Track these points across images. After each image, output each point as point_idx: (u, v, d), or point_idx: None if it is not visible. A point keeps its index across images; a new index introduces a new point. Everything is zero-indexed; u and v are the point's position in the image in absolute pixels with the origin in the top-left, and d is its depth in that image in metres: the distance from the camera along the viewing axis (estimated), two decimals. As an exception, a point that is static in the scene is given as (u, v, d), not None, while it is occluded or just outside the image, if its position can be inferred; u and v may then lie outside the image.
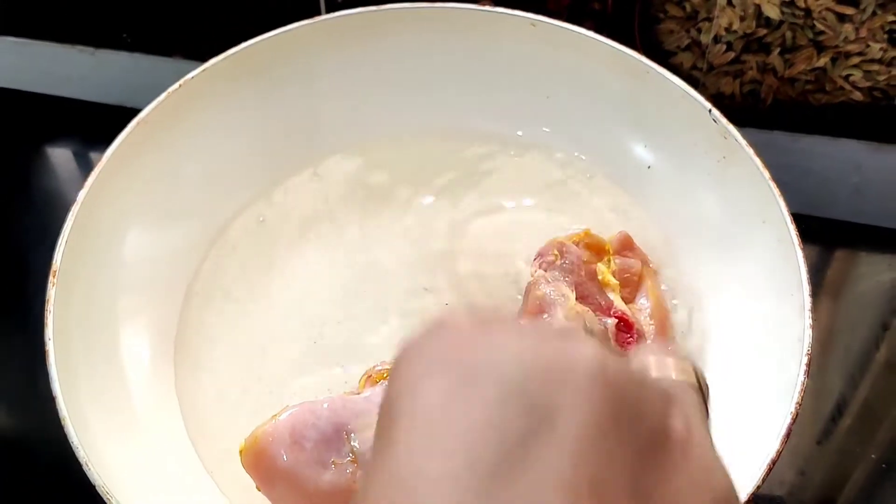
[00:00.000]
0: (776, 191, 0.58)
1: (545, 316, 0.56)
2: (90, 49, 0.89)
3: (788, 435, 0.50)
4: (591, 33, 0.66)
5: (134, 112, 0.64)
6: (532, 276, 0.58)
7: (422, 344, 0.30)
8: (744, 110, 0.76)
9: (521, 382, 0.27)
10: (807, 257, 0.55)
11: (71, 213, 0.59)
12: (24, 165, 0.88)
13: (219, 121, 0.67)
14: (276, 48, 0.67)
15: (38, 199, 0.84)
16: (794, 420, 0.51)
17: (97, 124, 0.86)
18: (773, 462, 0.50)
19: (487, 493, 0.26)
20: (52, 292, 0.56)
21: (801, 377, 0.52)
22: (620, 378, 0.28)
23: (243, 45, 0.67)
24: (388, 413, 0.29)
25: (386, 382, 0.50)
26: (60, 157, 0.89)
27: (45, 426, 0.54)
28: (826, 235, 0.76)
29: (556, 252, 0.59)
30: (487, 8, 0.68)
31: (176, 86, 0.64)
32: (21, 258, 0.76)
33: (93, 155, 0.84)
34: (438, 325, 0.30)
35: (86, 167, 0.61)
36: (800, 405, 0.51)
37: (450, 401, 0.28)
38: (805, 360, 0.52)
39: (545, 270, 0.58)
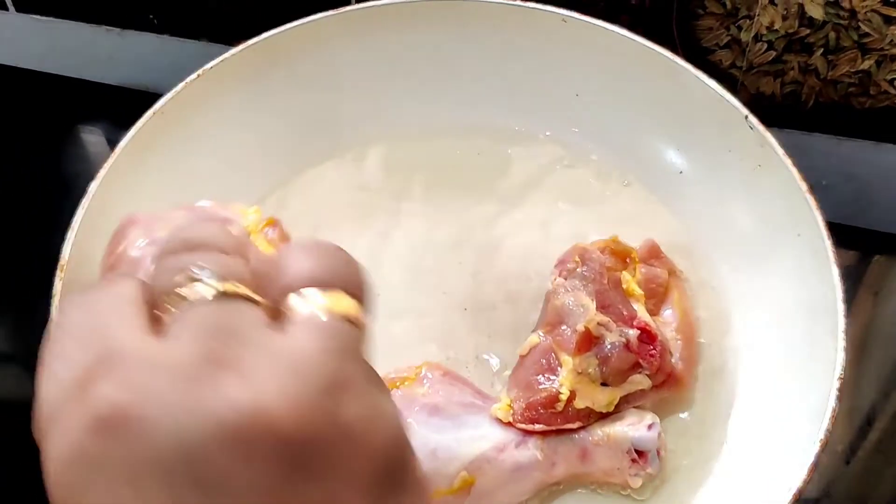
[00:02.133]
0: (813, 203, 0.56)
1: (563, 327, 0.54)
2: (117, 30, 0.89)
3: (816, 464, 0.48)
4: (624, 31, 0.64)
5: (158, 96, 0.63)
6: (552, 284, 0.57)
7: (72, 438, 0.28)
8: (784, 111, 0.74)
9: (181, 463, 0.26)
10: (843, 265, 0.54)
11: (81, 205, 0.58)
12: (51, 148, 0.88)
13: (236, 112, 0.66)
14: (299, 39, 0.66)
15: (66, 182, 0.84)
16: (824, 448, 0.49)
17: (123, 107, 0.85)
18: (800, 492, 0.48)
19: None
20: (58, 286, 0.55)
21: (832, 403, 0.50)
22: (284, 426, 0.27)
23: (264, 35, 0.66)
24: None
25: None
26: (87, 139, 0.89)
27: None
28: (864, 242, 0.74)
29: (576, 259, 0.57)
30: (518, 3, 0.66)
31: (194, 76, 0.63)
32: (44, 242, 0.76)
33: (119, 139, 0.85)
34: (86, 410, 0.28)
35: (112, 150, 0.61)
36: (829, 432, 0.49)
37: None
38: (837, 384, 0.50)
39: (565, 278, 0.56)
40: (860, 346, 0.68)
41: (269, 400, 0.27)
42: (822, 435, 0.49)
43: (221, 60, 0.64)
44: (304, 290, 0.31)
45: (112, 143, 0.84)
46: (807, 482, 0.48)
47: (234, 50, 0.65)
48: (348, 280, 0.33)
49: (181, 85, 0.63)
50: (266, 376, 0.28)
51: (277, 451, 0.27)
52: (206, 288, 0.30)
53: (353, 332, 0.32)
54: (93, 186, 0.58)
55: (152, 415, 0.27)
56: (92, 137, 0.89)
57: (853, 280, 0.72)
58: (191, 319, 0.29)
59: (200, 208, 0.49)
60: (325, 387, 0.28)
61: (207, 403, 0.27)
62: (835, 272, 0.53)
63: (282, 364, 0.28)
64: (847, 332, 0.52)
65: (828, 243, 0.54)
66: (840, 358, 0.51)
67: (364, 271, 0.34)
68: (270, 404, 0.27)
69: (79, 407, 0.28)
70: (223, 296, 0.30)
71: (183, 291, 0.30)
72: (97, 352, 0.29)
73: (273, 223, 0.49)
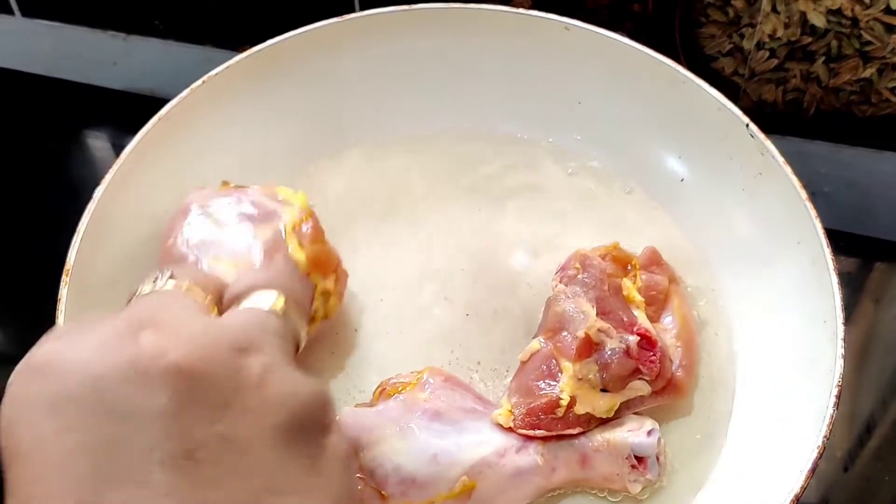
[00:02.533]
0: (813, 212, 0.56)
1: (564, 333, 0.54)
2: (122, 35, 0.89)
3: (814, 469, 0.48)
4: (625, 39, 0.64)
5: (163, 101, 0.63)
6: (553, 290, 0.57)
7: (14, 385, 0.33)
8: (786, 119, 0.74)
9: (93, 395, 0.31)
10: (844, 272, 0.54)
11: (87, 210, 0.58)
12: (56, 152, 0.88)
13: (241, 118, 0.66)
14: (303, 45, 0.66)
15: (71, 186, 0.84)
16: (821, 455, 0.49)
17: (128, 111, 0.86)
18: (798, 497, 0.48)
19: None
20: (63, 291, 0.55)
21: (831, 410, 0.50)
22: (181, 359, 0.32)
23: (269, 42, 0.66)
24: (5, 462, 0.32)
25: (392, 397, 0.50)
26: (92, 144, 0.89)
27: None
28: (865, 249, 0.74)
29: (577, 265, 0.57)
30: (521, 10, 0.66)
31: (199, 82, 0.63)
32: (50, 247, 0.76)
33: (124, 143, 0.85)
34: (27, 362, 0.34)
35: (118, 154, 0.61)
36: (827, 438, 0.49)
37: (43, 436, 0.31)
38: (835, 391, 0.50)
39: (566, 285, 0.56)
40: (861, 353, 0.68)
41: (171, 343, 0.32)
42: (820, 441, 0.49)
43: (226, 67, 0.64)
44: (248, 295, 0.39)
45: (117, 148, 0.85)
46: (804, 488, 0.48)
47: (238, 56, 0.65)
48: (286, 285, 0.40)
49: (186, 91, 0.63)
50: (179, 332, 0.33)
51: (172, 379, 0.31)
52: (160, 285, 0.38)
53: (275, 319, 0.38)
54: (98, 192, 0.58)
55: (70, 358, 0.32)
56: (97, 142, 0.89)
57: (854, 287, 0.72)
58: (133, 303, 0.37)
59: (252, 193, 0.56)
60: (229, 344, 0.34)
61: (119, 349, 0.32)
62: (834, 280, 0.54)
63: (198, 327, 0.34)
64: (846, 339, 0.52)
65: (827, 251, 0.55)
66: (839, 365, 0.51)
67: (306, 282, 0.43)
68: (171, 346, 0.32)
69: (21, 364, 0.33)
70: (174, 290, 0.37)
71: (143, 288, 0.37)
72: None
73: (309, 217, 0.55)
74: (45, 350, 0.33)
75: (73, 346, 0.33)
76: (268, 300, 0.39)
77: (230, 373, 0.33)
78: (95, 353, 0.32)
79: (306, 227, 0.54)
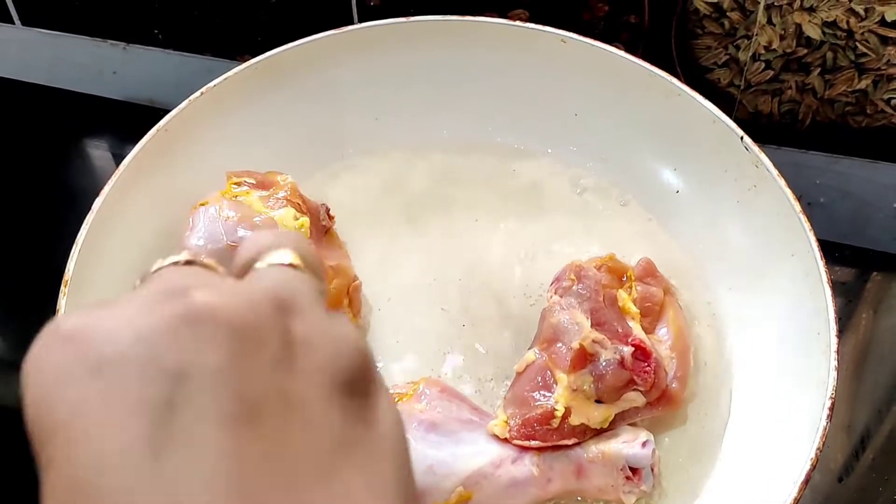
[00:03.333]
0: (806, 224, 0.56)
1: (559, 344, 0.54)
2: (122, 44, 0.89)
3: (808, 481, 0.49)
4: (621, 52, 0.64)
5: (162, 110, 0.64)
6: (548, 301, 0.57)
7: (39, 357, 0.31)
8: (781, 130, 0.74)
9: (142, 354, 0.29)
10: (840, 282, 0.54)
11: (86, 221, 0.58)
12: (56, 161, 0.89)
13: (239, 129, 0.66)
14: (302, 57, 0.67)
15: (70, 196, 0.84)
16: (815, 466, 0.49)
17: (127, 121, 0.86)
18: (791, 509, 0.48)
19: (152, 473, 0.28)
20: (62, 301, 0.55)
21: (824, 422, 0.50)
22: (232, 313, 0.30)
23: (267, 53, 0.66)
24: (38, 439, 0.30)
25: None
26: (92, 153, 0.89)
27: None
28: (862, 260, 0.74)
29: (572, 276, 0.57)
30: (518, 23, 0.66)
31: (198, 94, 0.64)
32: (49, 256, 0.76)
33: (122, 152, 0.85)
34: (49, 335, 0.32)
35: (118, 164, 0.61)
36: (820, 450, 0.50)
37: (86, 399, 0.29)
38: (828, 403, 0.51)
39: (561, 296, 0.56)
40: (857, 364, 0.68)
41: (219, 299, 0.31)
42: (813, 453, 0.49)
43: (225, 78, 0.65)
44: (263, 257, 0.37)
45: (116, 157, 0.85)
46: (798, 499, 0.48)
47: (237, 68, 0.66)
48: (298, 245, 0.37)
49: (185, 102, 0.64)
50: (221, 290, 0.32)
51: (226, 334, 0.30)
52: (176, 259, 0.36)
53: (301, 273, 0.36)
54: (97, 203, 0.59)
55: (109, 321, 0.30)
56: (96, 151, 0.89)
57: (851, 298, 0.72)
58: (152, 277, 0.34)
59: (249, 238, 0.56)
60: (271, 299, 0.32)
61: (165, 307, 0.30)
62: (828, 293, 0.54)
63: (234, 286, 0.33)
64: (839, 351, 0.52)
65: (821, 264, 0.55)
66: (832, 377, 0.51)
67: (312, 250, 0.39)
68: (220, 302, 0.31)
69: (43, 337, 0.31)
70: (193, 261, 0.35)
71: (161, 263, 0.35)
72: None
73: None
74: (73, 320, 0.31)
75: (107, 313, 0.31)
76: (286, 256, 0.37)
77: (279, 328, 0.32)
78: (138, 313, 0.30)
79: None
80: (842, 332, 0.68)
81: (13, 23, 0.91)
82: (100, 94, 0.91)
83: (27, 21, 0.91)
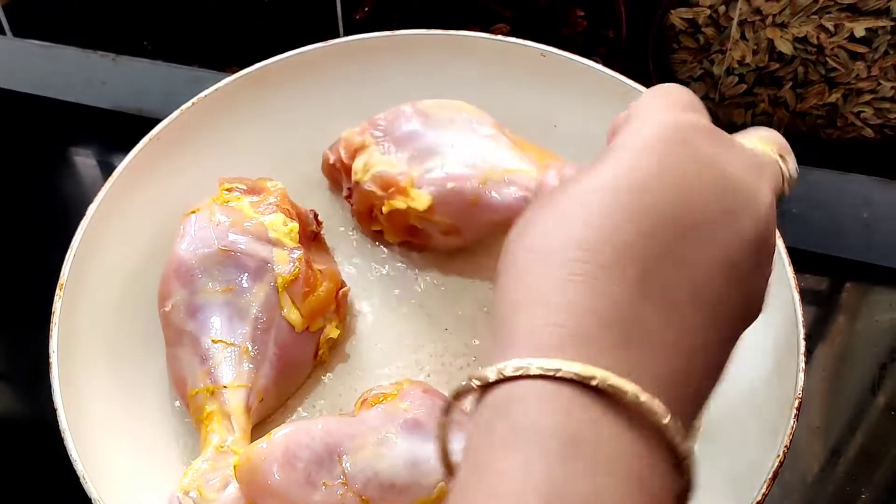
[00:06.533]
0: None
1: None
2: (111, 55, 0.90)
3: (775, 477, 0.50)
4: (599, 66, 0.66)
5: (151, 120, 0.65)
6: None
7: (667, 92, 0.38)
8: (754, 142, 0.76)
9: (716, 181, 0.34)
10: (813, 290, 0.54)
11: (80, 227, 0.59)
12: (45, 170, 0.89)
13: (229, 139, 0.68)
14: (290, 69, 0.68)
15: (60, 205, 0.85)
16: (782, 463, 0.51)
17: (116, 131, 0.87)
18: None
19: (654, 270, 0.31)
20: (57, 305, 0.57)
21: (791, 421, 0.52)
22: (764, 214, 0.35)
23: (257, 65, 0.68)
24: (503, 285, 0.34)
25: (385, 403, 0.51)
26: (81, 162, 0.90)
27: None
28: (835, 269, 0.75)
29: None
30: (499, 37, 0.68)
31: (188, 104, 0.65)
32: (40, 264, 0.77)
33: (112, 161, 0.85)
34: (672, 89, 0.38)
35: (106, 173, 0.62)
36: (787, 448, 0.51)
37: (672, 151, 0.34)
38: (796, 403, 0.52)
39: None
40: (832, 370, 0.69)
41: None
42: (780, 451, 0.51)
43: (215, 89, 0.66)
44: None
45: (105, 166, 0.86)
46: (766, 495, 0.50)
47: (227, 79, 0.67)
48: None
49: (177, 112, 0.65)
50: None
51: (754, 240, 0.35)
52: None
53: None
54: (91, 208, 0.60)
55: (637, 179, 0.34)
56: (85, 160, 0.90)
57: (825, 306, 0.73)
58: None
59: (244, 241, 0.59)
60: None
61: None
62: (795, 297, 0.56)
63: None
64: (808, 354, 0.54)
65: (789, 269, 0.56)
66: (800, 378, 0.53)
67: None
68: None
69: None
70: None
71: None
72: None
73: (299, 269, 0.58)
74: (532, 212, 0.34)
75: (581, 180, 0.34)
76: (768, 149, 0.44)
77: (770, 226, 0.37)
78: (731, 159, 0.36)
79: (297, 286, 0.57)
80: (816, 338, 0.70)
81: (4, 34, 0.92)
82: (89, 103, 0.92)
83: (18, 32, 0.92)
